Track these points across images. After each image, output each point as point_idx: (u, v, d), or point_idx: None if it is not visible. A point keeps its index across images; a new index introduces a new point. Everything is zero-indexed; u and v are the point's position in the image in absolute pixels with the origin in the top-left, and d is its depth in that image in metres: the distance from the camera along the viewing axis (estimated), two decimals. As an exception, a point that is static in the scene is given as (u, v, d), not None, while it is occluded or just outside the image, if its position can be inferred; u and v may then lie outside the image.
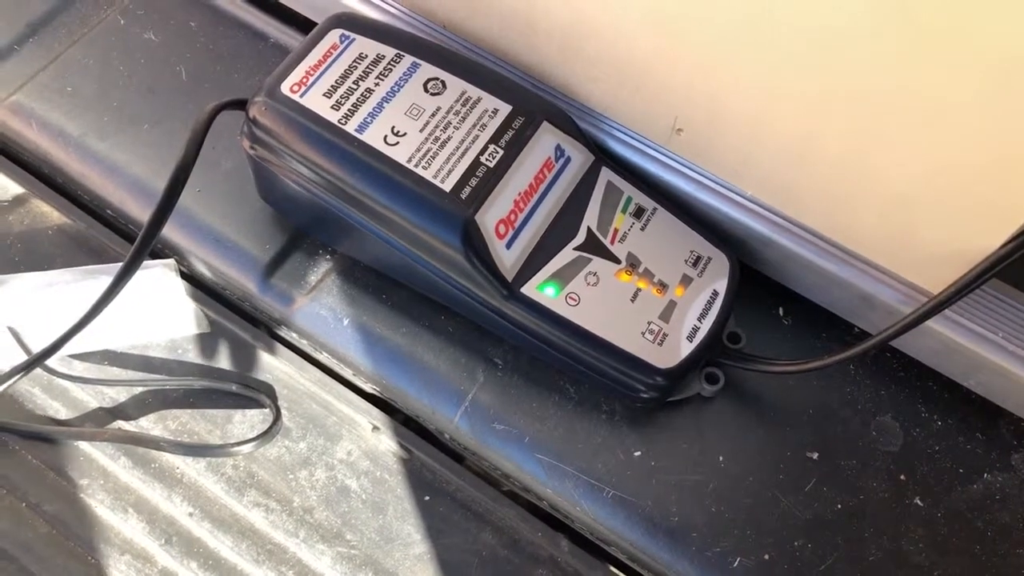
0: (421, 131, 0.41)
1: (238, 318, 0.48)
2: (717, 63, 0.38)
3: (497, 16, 0.44)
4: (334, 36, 0.43)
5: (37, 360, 0.43)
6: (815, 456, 0.43)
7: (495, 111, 0.42)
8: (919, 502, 0.42)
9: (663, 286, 0.42)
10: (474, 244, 0.40)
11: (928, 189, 0.36)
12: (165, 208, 0.41)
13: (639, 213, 0.44)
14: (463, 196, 0.39)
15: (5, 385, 0.42)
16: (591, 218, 0.43)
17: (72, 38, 0.53)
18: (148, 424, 0.45)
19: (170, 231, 0.48)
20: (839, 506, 0.42)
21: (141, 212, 0.49)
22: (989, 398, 0.44)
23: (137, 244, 0.41)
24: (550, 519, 0.44)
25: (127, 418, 0.46)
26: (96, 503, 0.44)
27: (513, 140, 0.41)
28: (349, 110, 0.41)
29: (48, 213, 0.50)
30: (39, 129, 0.51)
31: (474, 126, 0.41)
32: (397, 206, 0.40)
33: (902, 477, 0.43)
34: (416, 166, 0.40)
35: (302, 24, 0.54)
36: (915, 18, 0.30)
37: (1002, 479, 0.43)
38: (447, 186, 0.40)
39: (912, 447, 0.44)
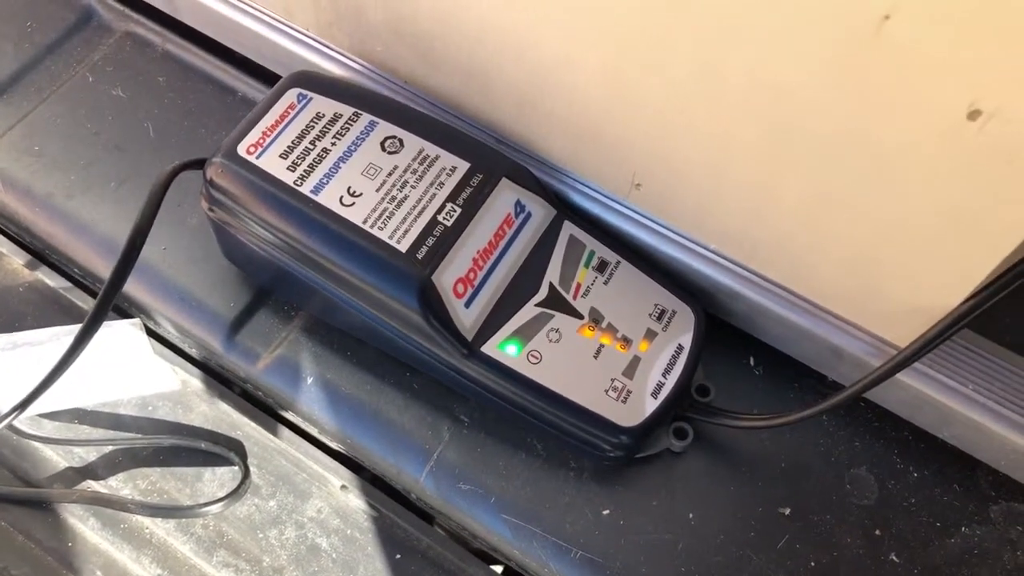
0: (377, 191, 0.40)
1: (207, 376, 0.48)
2: (670, 118, 0.37)
3: (457, 73, 0.44)
4: (291, 95, 0.43)
5: (2, 420, 0.42)
6: (787, 512, 0.42)
7: (453, 169, 0.41)
8: (895, 558, 0.41)
9: (627, 341, 0.42)
10: (432, 304, 0.39)
11: (887, 245, 0.35)
12: (122, 271, 0.41)
13: (602, 267, 0.43)
14: (419, 256, 0.39)
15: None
16: (553, 273, 0.42)
17: (41, 96, 0.53)
18: (117, 484, 0.45)
19: (136, 289, 0.48)
20: (812, 564, 0.41)
21: (107, 271, 0.48)
22: (964, 449, 0.43)
23: (96, 305, 0.41)
24: (520, 579, 0.44)
25: (96, 478, 0.45)
26: (64, 567, 0.43)
27: (471, 198, 0.41)
28: (305, 171, 0.41)
29: (19, 271, 0.50)
30: (6, 188, 0.51)
31: (432, 184, 0.41)
32: (354, 268, 0.39)
33: (877, 532, 0.42)
34: (372, 227, 0.39)
35: (269, 78, 0.54)
36: (866, 74, 0.30)
37: (980, 532, 0.42)
38: (403, 247, 0.39)
39: (888, 500, 0.42)
